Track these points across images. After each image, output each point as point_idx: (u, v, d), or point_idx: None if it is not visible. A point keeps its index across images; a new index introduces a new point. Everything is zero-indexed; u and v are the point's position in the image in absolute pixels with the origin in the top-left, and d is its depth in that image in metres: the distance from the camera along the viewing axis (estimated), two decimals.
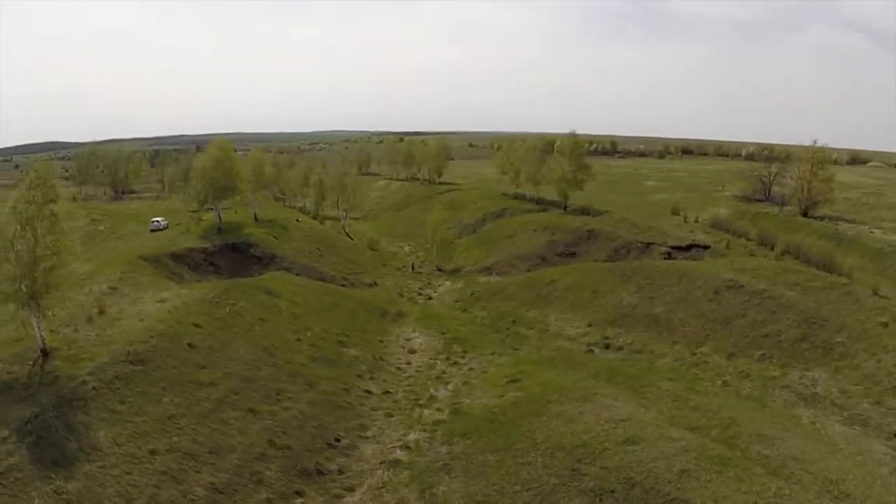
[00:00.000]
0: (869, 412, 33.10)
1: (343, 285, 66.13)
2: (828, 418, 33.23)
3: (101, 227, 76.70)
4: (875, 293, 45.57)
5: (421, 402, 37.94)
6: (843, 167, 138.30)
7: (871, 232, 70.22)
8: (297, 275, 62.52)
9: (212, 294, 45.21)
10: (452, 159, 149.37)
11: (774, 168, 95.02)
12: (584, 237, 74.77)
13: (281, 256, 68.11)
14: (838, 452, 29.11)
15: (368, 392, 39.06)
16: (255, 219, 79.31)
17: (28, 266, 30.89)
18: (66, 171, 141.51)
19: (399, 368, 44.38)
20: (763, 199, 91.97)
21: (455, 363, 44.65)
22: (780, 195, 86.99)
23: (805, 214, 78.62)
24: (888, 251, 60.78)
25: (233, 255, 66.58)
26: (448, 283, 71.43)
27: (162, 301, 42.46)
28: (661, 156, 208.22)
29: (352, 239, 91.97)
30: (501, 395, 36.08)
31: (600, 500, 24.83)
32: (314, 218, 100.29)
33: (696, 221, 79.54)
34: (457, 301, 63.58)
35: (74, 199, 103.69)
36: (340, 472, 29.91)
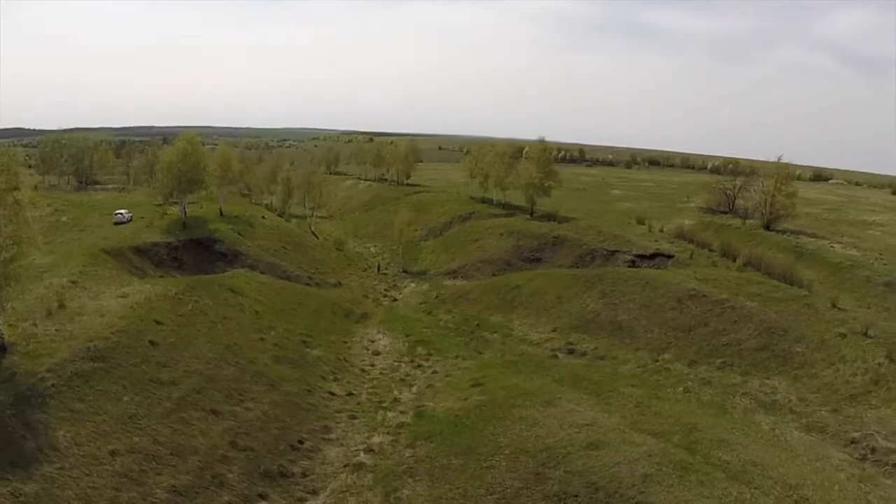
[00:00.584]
0: (827, 420, 33.97)
1: (308, 285, 65.52)
2: (787, 425, 33.98)
3: (64, 218, 74.51)
4: (834, 305, 46.90)
5: (385, 404, 37.75)
6: (806, 183, 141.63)
7: (832, 247, 71.90)
8: (262, 273, 61.76)
9: (175, 290, 44.37)
10: (421, 161, 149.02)
11: (739, 182, 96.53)
12: (549, 243, 75.19)
13: (246, 254, 67.30)
14: (797, 458, 29.76)
15: (332, 393, 38.74)
16: (221, 214, 78.17)
17: None
18: (30, 157, 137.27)
19: (363, 370, 44.10)
20: (727, 211, 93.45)
21: (419, 366, 44.54)
22: (743, 208, 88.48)
23: (768, 228, 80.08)
24: (847, 265, 62.23)
25: (197, 251, 65.56)
26: (413, 286, 71.31)
27: (124, 296, 41.44)
28: (629, 166, 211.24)
29: (318, 238, 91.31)
30: (465, 399, 36.11)
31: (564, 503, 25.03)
32: (280, 216, 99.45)
33: (661, 231, 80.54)
34: (422, 303, 63.47)
35: (37, 188, 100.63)
36: (304, 474, 29.57)
